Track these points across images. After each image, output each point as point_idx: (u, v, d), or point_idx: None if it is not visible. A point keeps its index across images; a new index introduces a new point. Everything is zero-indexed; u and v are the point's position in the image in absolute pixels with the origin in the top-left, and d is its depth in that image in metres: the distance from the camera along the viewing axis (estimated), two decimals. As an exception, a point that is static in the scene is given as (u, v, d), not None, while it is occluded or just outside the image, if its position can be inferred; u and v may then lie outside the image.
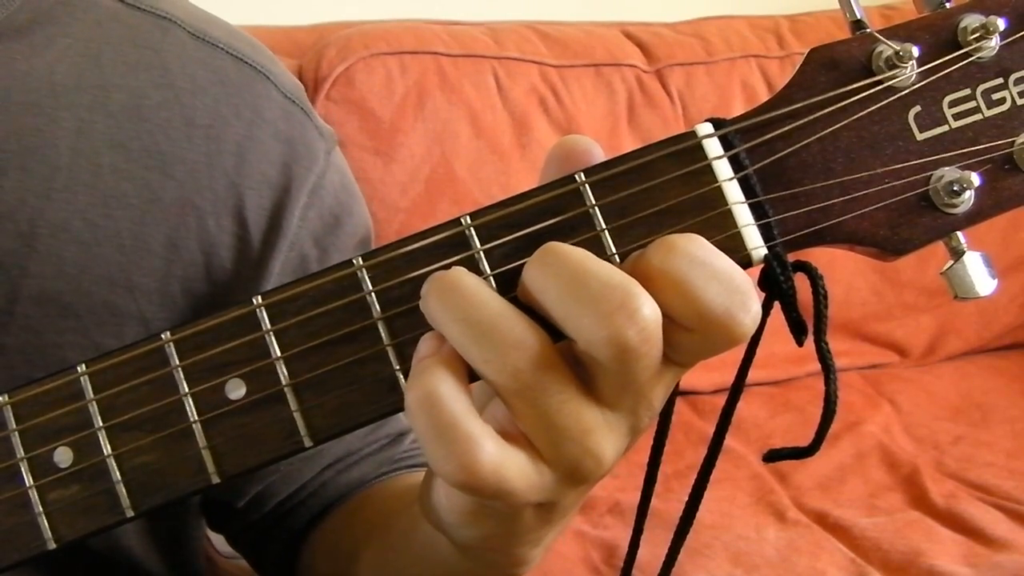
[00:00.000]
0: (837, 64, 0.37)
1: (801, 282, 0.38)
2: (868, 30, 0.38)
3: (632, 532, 0.46)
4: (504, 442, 0.34)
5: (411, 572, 0.51)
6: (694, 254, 0.34)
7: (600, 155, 0.37)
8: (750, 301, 0.34)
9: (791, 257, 0.37)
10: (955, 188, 0.37)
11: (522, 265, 0.35)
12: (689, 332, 0.34)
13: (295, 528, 0.61)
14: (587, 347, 0.33)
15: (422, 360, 0.35)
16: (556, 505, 0.37)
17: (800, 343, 0.37)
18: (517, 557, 0.41)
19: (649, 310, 0.33)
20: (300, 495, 0.61)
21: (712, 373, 1.32)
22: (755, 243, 0.36)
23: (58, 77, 0.52)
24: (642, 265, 0.34)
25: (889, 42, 0.37)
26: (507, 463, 0.33)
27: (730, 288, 0.34)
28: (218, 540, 0.74)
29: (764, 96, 1.51)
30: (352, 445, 0.61)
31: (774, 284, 0.37)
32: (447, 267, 0.36)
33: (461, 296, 0.34)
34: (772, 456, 0.39)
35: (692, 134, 0.37)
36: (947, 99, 0.37)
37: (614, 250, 0.36)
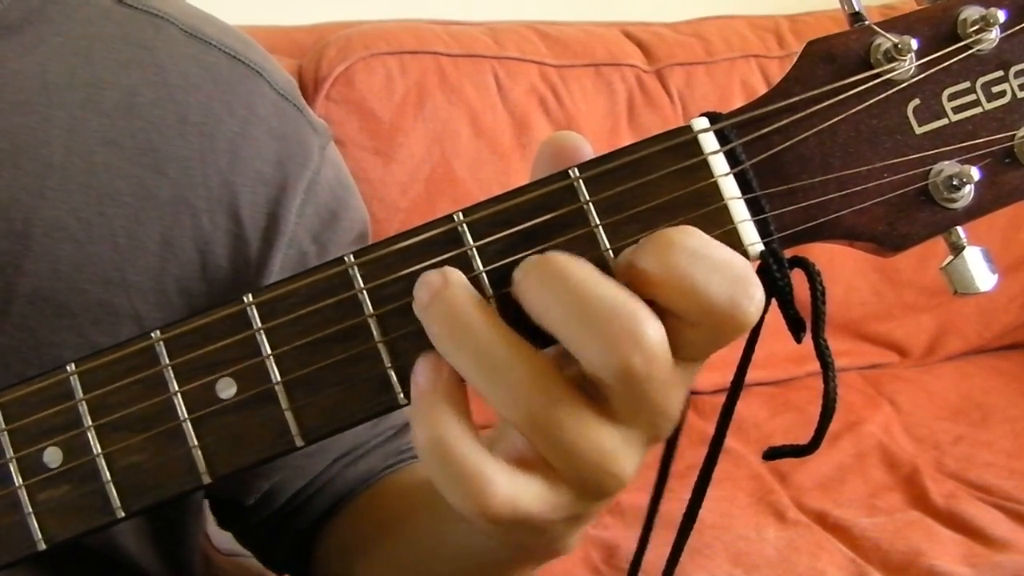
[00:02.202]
0: (835, 57, 0.37)
1: (799, 279, 0.37)
2: (866, 22, 0.37)
3: (640, 536, 0.45)
4: (518, 473, 0.34)
5: (439, 564, 0.51)
6: (693, 248, 0.33)
7: (590, 152, 0.36)
8: (752, 288, 0.34)
9: (789, 253, 0.37)
10: (955, 182, 0.36)
11: (515, 263, 0.35)
12: (695, 327, 0.34)
13: (305, 525, 0.61)
14: (594, 371, 0.33)
15: (423, 396, 0.34)
16: (581, 515, 0.37)
17: (798, 340, 0.37)
18: (554, 549, 0.40)
19: (654, 332, 0.32)
20: (309, 490, 0.60)
21: (713, 373, 1.30)
22: (751, 239, 0.36)
23: (50, 75, 0.52)
24: (640, 266, 0.34)
25: (888, 34, 0.36)
26: (522, 495, 0.33)
27: (732, 278, 0.33)
28: (217, 536, 0.74)
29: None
30: (359, 437, 0.60)
31: (771, 281, 0.36)
32: (440, 264, 0.35)
33: (467, 331, 0.33)
34: (772, 454, 0.39)
35: (688, 129, 0.36)
36: (946, 92, 0.37)
37: (608, 246, 0.36)
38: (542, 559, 0.44)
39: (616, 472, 0.34)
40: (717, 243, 0.34)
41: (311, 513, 0.61)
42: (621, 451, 0.34)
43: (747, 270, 0.34)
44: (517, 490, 0.33)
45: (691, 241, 0.34)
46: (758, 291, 0.34)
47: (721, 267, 0.33)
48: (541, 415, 0.33)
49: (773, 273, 0.36)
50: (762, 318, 0.36)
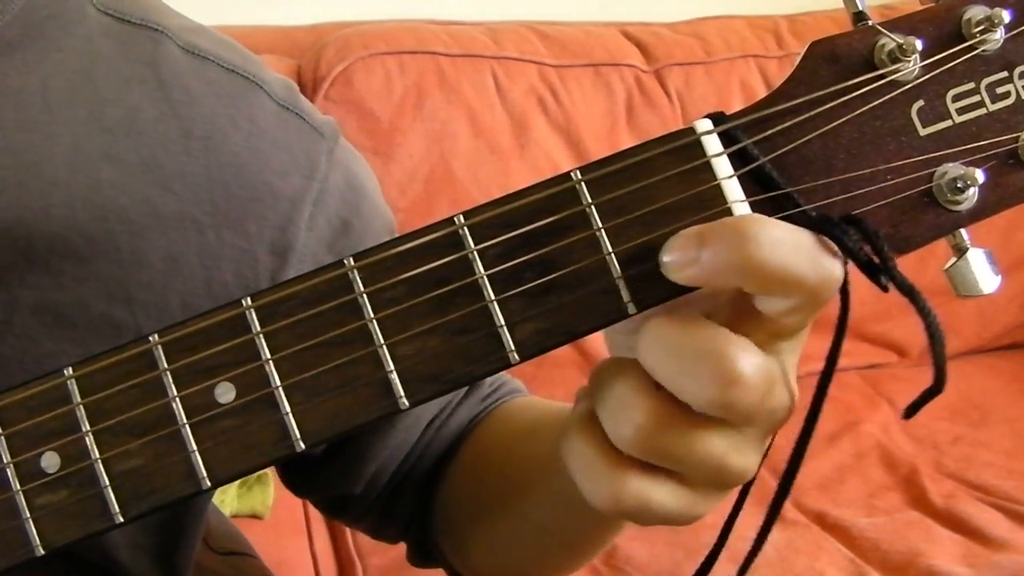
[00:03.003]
0: (839, 58, 0.36)
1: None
2: (870, 23, 0.37)
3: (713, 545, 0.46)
4: (647, 476, 0.36)
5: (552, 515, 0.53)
6: (772, 237, 0.34)
7: None
8: (828, 251, 0.35)
9: None
10: (959, 185, 0.36)
11: (517, 264, 0.35)
12: (787, 302, 0.35)
13: (413, 491, 0.62)
14: (702, 408, 0.35)
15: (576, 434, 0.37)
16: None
17: (882, 285, 0.36)
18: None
19: (747, 365, 0.34)
20: (411, 459, 0.61)
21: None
22: (755, 241, 0.36)
23: (52, 93, 0.51)
24: (721, 264, 0.34)
25: (892, 35, 0.36)
26: (650, 494, 0.37)
27: (809, 249, 0.34)
28: (216, 536, 0.73)
29: (763, 96, 1.50)
30: (443, 399, 0.61)
31: (837, 244, 0.36)
32: (441, 267, 0.35)
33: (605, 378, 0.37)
34: (911, 411, 0.39)
35: (691, 130, 0.36)
36: (951, 93, 0.37)
37: (611, 249, 0.35)
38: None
39: (737, 468, 0.37)
40: (781, 223, 0.35)
41: (416, 479, 0.62)
42: (739, 450, 0.36)
43: (815, 238, 0.35)
44: (645, 489, 0.37)
45: (766, 230, 0.34)
46: (835, 252, 0.35)
47: (799, 243, 0.34)
48: (651, 440, 0.36)
49: (838, 236, 0.36)
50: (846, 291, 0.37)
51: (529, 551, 0.58)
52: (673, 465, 0.36)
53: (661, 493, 0.37)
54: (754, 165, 0.36)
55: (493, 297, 0.35)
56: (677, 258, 0.35)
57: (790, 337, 0.37)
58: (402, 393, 0.36)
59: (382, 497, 0.62)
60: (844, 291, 0.37)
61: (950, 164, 0.37)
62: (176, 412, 0.36)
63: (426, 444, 0.61)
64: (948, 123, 0.37)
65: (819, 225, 0.35)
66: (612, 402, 0.36)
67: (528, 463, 0.54)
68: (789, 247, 0.34)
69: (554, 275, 0.35)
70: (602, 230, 0.35)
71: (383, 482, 0.61)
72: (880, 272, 0.36)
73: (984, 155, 0.37)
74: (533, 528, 0.55)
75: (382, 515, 0.64)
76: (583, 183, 0.36)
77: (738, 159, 0.36)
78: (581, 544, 0.56)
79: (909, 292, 0.36)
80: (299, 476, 0.63)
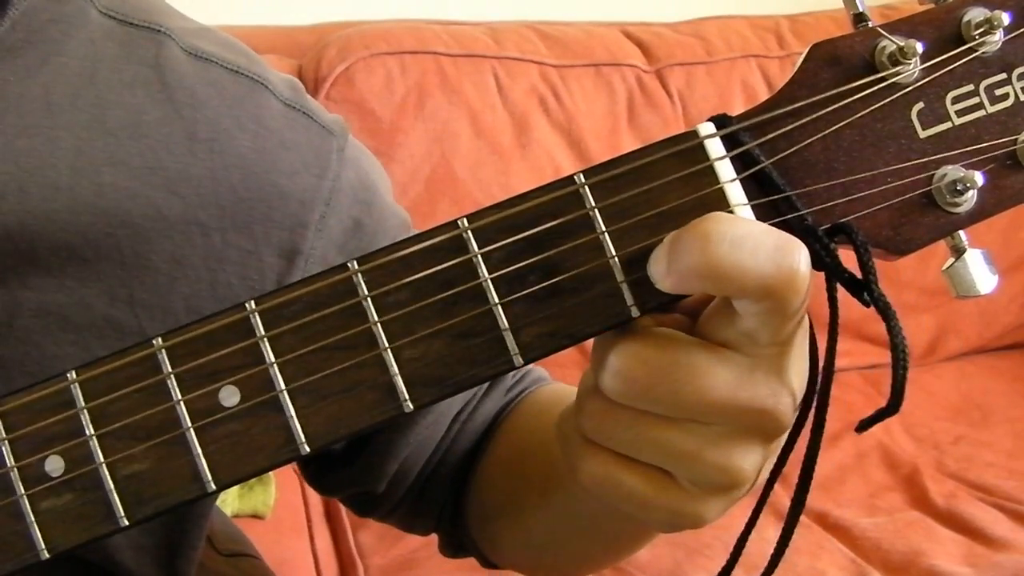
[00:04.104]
0: (840, 60, 0.37)
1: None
2: (870, 24, 0.37)
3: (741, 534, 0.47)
4: (614, 458, 0.37)
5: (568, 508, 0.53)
6: (732, 235, 0.33)
7: None
8: (794, 250, 0.34)
9: None
10: (958, 187, 0.36)
11: (521, 268, 0.35)
12: (753, 304, 0.34)
13: (443, 487, 0.62)
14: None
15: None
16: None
17: (863, 301, 0.36)
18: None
19: (712, 382, 0.35)
20: (437, 455, 0.61)
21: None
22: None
23: (54, 97, 0.51)
24: (685, 268, 0.34)
25: (892, 37, 0.36)
26: (620, 476, 0.38)
27: (773, 248, 0.34)
28: (219, 538, 0.73)
29: (764, 96, 1.50)
30: (467, 393, 0.60)
31: (815, 256, 0.36)
32: (445, 271, 0.36)
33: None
34: (863, 426, 0.38)
35: (693, 134, 0.36)
36: (950, 95, 0.37)
37: (614, 253, 0.36)
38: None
39: (716, 467, 0.37)
40: (747, 220, 0.34)
41: (445, 473, 0.61)
42: (714, 446, 0.37)
43: (783, 236, 0.34)
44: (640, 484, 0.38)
45: (726, 229, 0.34)
46: (801, 251, 0.34)
47: (760, 245, 0.33)
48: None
49: (817, 250, 0.35)
50: (835, 308, 0.37)
51: (563, 543, 0.58)
52: (626, 451, 0.37)
53: (633, 479, 0.37)
54: (756, 168, 0.36)
55: (497, 301, 0.36)
56: (656, 268, 0.35)
57: (773, 339, 0.36)
58: (406, 396, 0.36)
59: (412, 492, 0.62)
60: (832, 298, 0.37)
61: (950, 167, 0.37)
62: (180, 416, 0.36)
63: (453, 439, 0.60)
64: (948, 125, 0.37)
65: (804, 238, 0.35)
66: (578, 397, 0.39)
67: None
68: (748, 250, 0.33)
69: (558, 279, 0.36)
70: (605, 233, 0.36)
71: (411, 478, 0.61)
72: (862, 287, 0.36)
73: (983, 157, 0.37)
74: (568, 520, 0.55)
75: (413, 510, 0.63)
76: (586, 187, 0.36)
77: (740, 162, 0.36)
78: (616, 538, 0.56)
79: (884, 312, 0.36)
80: (321, 475, 0.63)
